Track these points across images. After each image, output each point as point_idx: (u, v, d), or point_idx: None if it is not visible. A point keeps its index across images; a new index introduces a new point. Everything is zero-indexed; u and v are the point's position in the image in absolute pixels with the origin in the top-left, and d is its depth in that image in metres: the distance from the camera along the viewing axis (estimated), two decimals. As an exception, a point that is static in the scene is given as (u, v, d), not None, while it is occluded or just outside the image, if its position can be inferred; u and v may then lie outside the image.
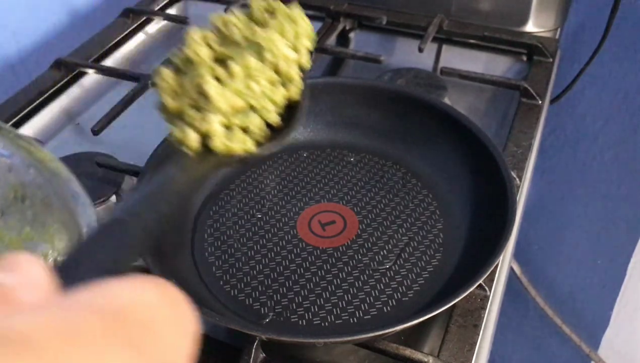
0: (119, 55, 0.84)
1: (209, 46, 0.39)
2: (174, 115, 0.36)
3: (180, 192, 0.32)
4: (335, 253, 0.54)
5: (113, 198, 0.61)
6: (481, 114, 0.73)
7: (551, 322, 1.23)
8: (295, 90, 0.38)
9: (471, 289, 0.44)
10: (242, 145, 0.35)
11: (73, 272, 0.24)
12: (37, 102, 0.73)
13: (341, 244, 0.55)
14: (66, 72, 0.77)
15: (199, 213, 0.58)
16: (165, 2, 0.92)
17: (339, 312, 0.49)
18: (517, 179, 0.60)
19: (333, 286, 0.51)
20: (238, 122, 0.35)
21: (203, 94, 0.34)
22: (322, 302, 0.50)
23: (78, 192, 0.45)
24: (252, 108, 0.35)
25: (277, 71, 0.37)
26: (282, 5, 0.38)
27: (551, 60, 0.79)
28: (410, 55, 0.80)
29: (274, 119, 0.36)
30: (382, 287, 0.51)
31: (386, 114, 0.63)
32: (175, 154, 0.57)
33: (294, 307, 0.49)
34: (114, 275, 0.24)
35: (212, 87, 0.34)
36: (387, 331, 0.43)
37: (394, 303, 0.49)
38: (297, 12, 0.38)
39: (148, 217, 0.29)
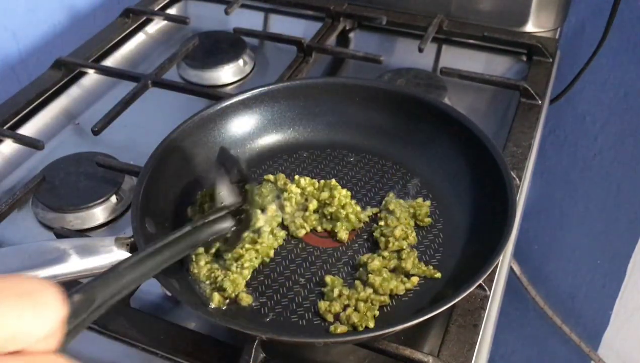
0: (119, 55, 0.84)
1: None
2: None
3: None
4: (335, 253, 0.54)
5: (113, 198, 0.61)
6: (481, 114, 0.73)
7: (551, 322, 1.23)
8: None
9: (471, 289, 0.44)
10: None
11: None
12: (37, 102, 0.73)
13: (342, 244, 0.55)
14: (66, 72, 0.77)
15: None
16: (165, 2, 0.92)
17: (339, 312, 0.49)
18: (517, 179, 0.60)
19: (333, 286, 0.51)
20: None
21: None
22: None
23: None
24: None
25: None
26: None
27: (551, 60, 0.79)
28: (410, 55, 0.80)
29: None
30: (382, 287, 0.51)
31: (386, 113, 0.63)
32: (174, 155, 0.57)
33: (294, 307, 0.49)
34: None
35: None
36: (387, 331, 0.43)
37: (394, 303, 0.49)
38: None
39: None
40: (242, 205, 0.50)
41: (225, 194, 0.51)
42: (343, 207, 0.56)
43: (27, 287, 0.24)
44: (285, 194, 0.57)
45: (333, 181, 0.58)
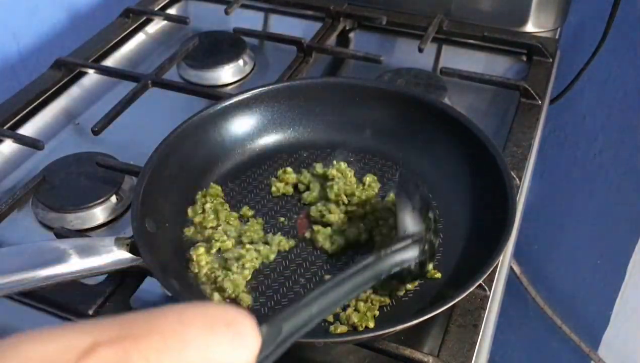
0: (119, 55, 0.84)
1: None
2: None
3: None
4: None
5: (113, 198, 0.61)
6: (481, 114, 0.73)
7: (551, 322, 1.23)
8: None
9: (471, 289, 0.44)
10: None
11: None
12: (37, 102, 0.73)
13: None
14: (66, 72, 0.77)
15: (199, 213, 0.58)
16: (165, 2, 0.92)
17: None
18: (517, 179, 0.60)
19: (333, 286, 0.51)
20: None
21: None
22: (322, 302, 0.50)
23: None
24: None
25: None
26: None
27: (551, 60, 0.79)
28: (410, 55, 0.80)
29: None
30: (382, 287, 0.51)
31: (386, 113, 0.63)
32: (174, 155, 0.57)
33: (294, 307, 0.49)
34: None
35: None
36: (387, 331, 0.43)
37: (394, 303, 0.49)
38: None
39: None
40: (426, 234, 0.48)
41: (408, 222, 0.48)
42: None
43: (230, 316, 0.23)
44: (329, 183, 0.58)
45: (369, 177, 0.59)
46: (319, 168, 0.60)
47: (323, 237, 0.54)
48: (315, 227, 0.54)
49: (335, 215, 0.55)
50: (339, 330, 0.47)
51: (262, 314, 0.49)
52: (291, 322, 0.31)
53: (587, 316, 1.24)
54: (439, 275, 0.51)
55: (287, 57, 0.79)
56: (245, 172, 0.61)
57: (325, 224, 0.55)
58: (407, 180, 0.51)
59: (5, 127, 0.69)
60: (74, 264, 0.45)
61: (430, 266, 0.49)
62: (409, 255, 0.46)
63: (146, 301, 0.52)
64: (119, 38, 0.84)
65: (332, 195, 0.56)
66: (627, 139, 1.02)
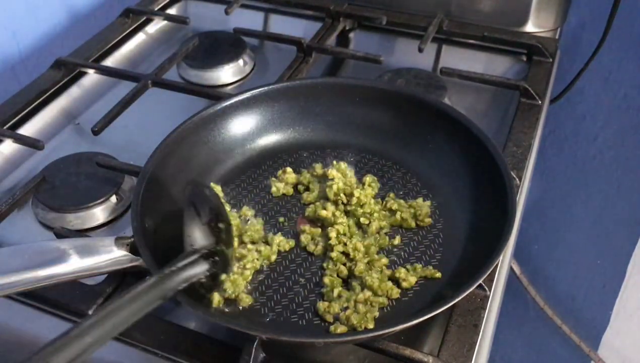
0: (119, 55, 0.84)
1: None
2: None
3: None
4: (335, 253, 0.54)
5: (113, 198, 0.61)
6: (481, 114, 0.73)
7: (551, 322, 1.23)
8: None
9: (471, 289, 0.44)
10: None
11: None
12: (37, 102, 0.73)
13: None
14: (66, 72, 0.77)
15: (199, 213, 0.57)
16: (165, 2, 0.92)
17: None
18: (517, 179, 0.60)
19: (333, 286, 0.51)
20: None
21: None
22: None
23: None
24: None
25: None
26: None
27: (551, 60, 0.79)
28: (410, 55, 0.80)
29: None
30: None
31: (386, 113, 0.63)
32: (174, 154, 0.57)
33: (294, 307, 0.49)
34: None
35: None
36: (387, 331, 0.43)
37: (394, 303, 0.49)
38: None
39: None
40: (215, 246, 0.47)
41: (197, 236, 0.48)
42: (371, 214, 0.56)
43: None
44: (328, 182, 0.57)
45: (369, 177, 0.59)
46: (318, 168, 0.60)
47: (307, 240, 0.54)
48: (303, 227, 0.55)
49: (329, 212, 0.55)
50: (339, 330, 0.47)
51: (262, 314, 0.49)
52: (62, 355, 0.30)
53: (587, 316, 1.24)
54: (439, 275, 0.51)
55: (287, 57, 0.79)
56: (245, 172, 0.61)
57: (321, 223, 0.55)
58: (196, 192, 0.50)
59: (5, 127, 0.69)
60: (74, 264, 0.45)
61: (224, 276, 0.48)
62: (197, 270, 0.45)
63: (146, 301, 0.52)
64: (119, 38, 0.84)
65: (331, 195, 0.56)
66: (627, 139, 1.02)
